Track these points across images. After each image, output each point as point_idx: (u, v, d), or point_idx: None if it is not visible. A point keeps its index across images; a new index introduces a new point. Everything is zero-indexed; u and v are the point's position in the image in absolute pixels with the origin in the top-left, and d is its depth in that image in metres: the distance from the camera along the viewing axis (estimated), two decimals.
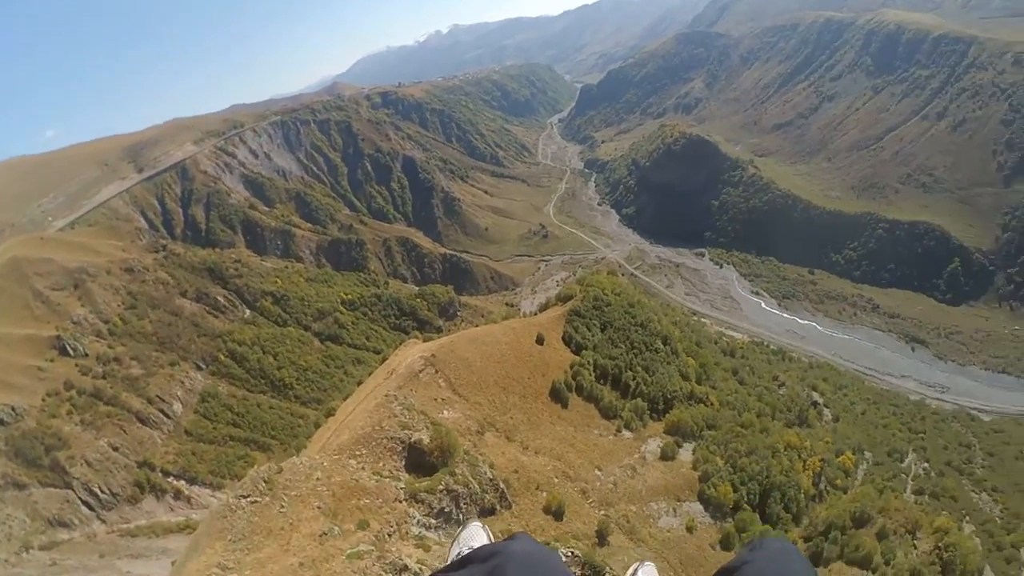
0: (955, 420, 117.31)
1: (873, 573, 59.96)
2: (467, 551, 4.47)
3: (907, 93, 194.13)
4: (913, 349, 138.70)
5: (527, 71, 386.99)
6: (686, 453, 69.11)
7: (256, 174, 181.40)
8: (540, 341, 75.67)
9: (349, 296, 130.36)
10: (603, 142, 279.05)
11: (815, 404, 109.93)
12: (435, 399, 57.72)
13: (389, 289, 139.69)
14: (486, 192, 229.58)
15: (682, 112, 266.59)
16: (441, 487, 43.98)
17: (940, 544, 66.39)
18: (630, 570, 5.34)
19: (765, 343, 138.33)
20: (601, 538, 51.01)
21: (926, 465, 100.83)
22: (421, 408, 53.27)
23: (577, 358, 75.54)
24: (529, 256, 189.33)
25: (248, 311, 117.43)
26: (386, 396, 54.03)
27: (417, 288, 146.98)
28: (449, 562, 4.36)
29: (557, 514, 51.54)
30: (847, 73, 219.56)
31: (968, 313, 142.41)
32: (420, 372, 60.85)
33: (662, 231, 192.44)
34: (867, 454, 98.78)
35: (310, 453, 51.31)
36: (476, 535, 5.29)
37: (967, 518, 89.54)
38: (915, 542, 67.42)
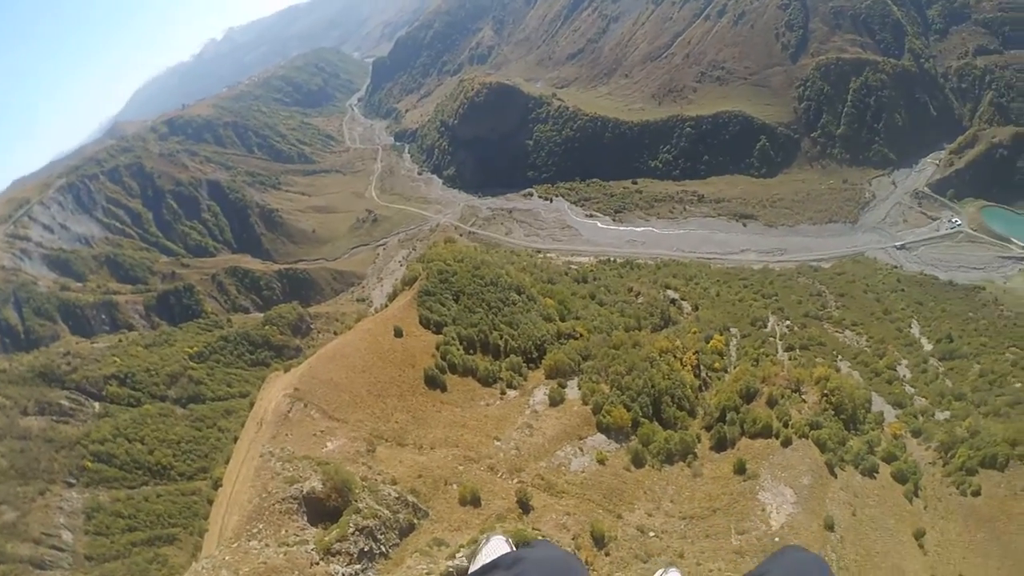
0: (800, 275, 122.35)
1: (777, 437, 61.83)
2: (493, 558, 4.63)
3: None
4: (745, 225, 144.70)
5: (314, 59, 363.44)
6: (573, 391, 68.92)
7: (58, 250, 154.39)
8: (399, 334, 73.43)
9: (195, 348, 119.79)
10: (407, 111, 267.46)
11: (673, 301, 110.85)
12: (313, 435, 54.74)
13: (233, 327, 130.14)
14: (303, 194, 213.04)
15: (478, 63, 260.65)
16: (351, 530, 42.01)
17: (825, 391, 69.83)
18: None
19: (612, 259, 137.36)
20: (524, 507, 51.24)
21: (788, 323, 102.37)
22: (303, 453, 50.89)
23: (440, 337, 73.94)
24: (365, 245, 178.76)
25: (97, 404, 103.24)
26: (262, 456, 51.06)
27: (262, 315, 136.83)
28: (473, 571, 4.49)
29: (474, 501, 50.93)
30: None
31: (785, 181, 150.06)
32: (289, 412, 57.61)
33: (487, 183, 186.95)
34: (733, 331, 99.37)
35: (209, 549, 49.26)
36: (499, 548, 5.29)
37: (839, 358, 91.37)
38: (803, 397, 69.84)
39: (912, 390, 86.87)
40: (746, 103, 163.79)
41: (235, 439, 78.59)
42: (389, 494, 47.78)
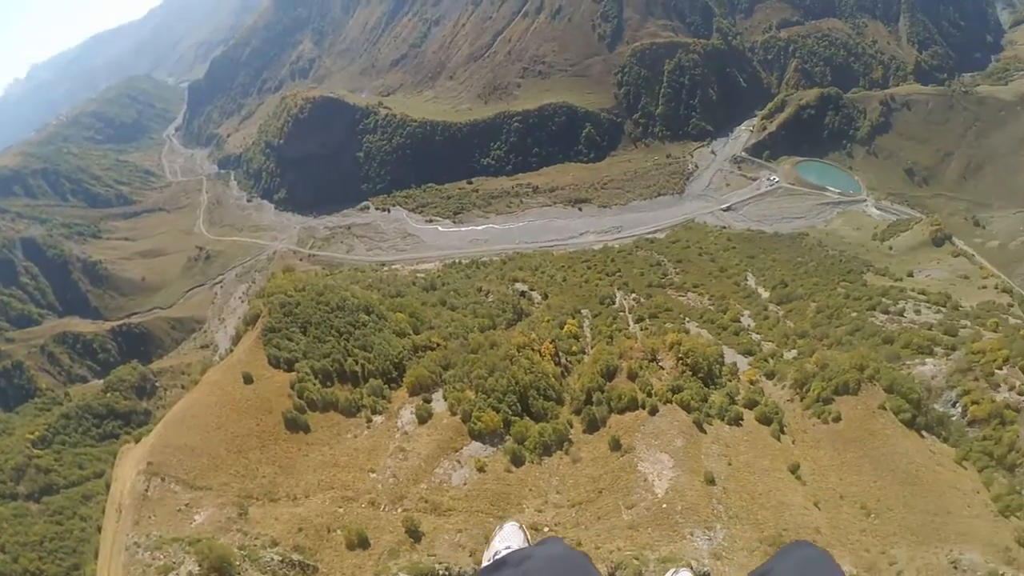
0: (639, 249, 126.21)
1: (643, 408, 61.98)
2: (504, 551, 4.87)
3: None
4: (580, 209, 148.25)
5: (126, 89, 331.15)
6: (439, 404, 67.22)
7: None
8: (249, 380, 68.55)
9: (36, 433, 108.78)
10: (229, 135, 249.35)
11: (523, 294, 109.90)
12: (178, 511, 50.62)
13: (73, 400, 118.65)
14: (126, 239, 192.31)
15: (299, 78, 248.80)
16: None
17: (680, 355, 71.11)
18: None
19: (457, 261, 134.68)
20: (414, 535, 49.89)
21: (634, 296, 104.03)
22: (171, 534, 46.80)
23: (293, 375, 69.64)
24: (200, 285, 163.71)
25: None
26: (128, 549, 46.34)
27: (102, 382, 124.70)
28: (485, 564, 4.62)
29: (362, 543, 48.98)
30: None
31: (613, 163, 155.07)
32: (147, 491, 52.69)
33: (321, 201, 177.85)
34: (584, 312, 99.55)
35: None
36: (512, 535, 5.36)
37: (687, 320, 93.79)
38: (660, 365, 70.84)
39: (758, 336, 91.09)
40: (569, 94, 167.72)
41: (99, 528, 70.49)
42: (272, 559, 44.37)
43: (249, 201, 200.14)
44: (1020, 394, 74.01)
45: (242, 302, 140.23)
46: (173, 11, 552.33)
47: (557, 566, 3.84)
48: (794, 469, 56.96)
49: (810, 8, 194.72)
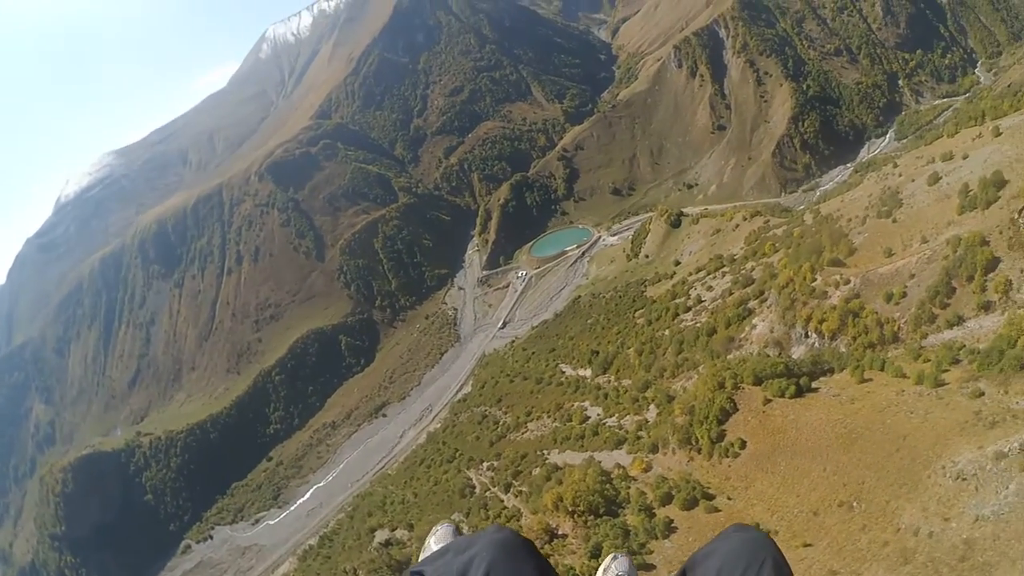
0: (457, 414, 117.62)
1: None
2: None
3: None
4: (384, 415, 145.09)
5: None
6: None
7: None
8: None
9: None
10: (12, 545, 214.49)
11: (386, 543, 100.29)
12: None
13: None
14: None
15: (48, 447, 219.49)
16: None
17: (571, 510, 60.47)
18: (603, 563, 5.34)
19: (310, 546, 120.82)
20: None
21: (484, 464, 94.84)
22: None
23: None
24: None
25: None
26: None
27: None
28: (423, 557, 4.45)
29: None
30: None
31: (385, 355, 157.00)
32: None
33: (141, 566, 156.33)
34: (457, 518, 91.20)
35: None
36: (447, 536, 5.26)
37: (546, 454, 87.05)
38: (561, 536, 57.79)
39: (613, 421, 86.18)
40: (309, 320, 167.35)
41: None
42: None
43: None
44: (845, 283, 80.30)
45: None
46: None
47: (503, 548, 3.67)
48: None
49: (461, 127, 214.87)
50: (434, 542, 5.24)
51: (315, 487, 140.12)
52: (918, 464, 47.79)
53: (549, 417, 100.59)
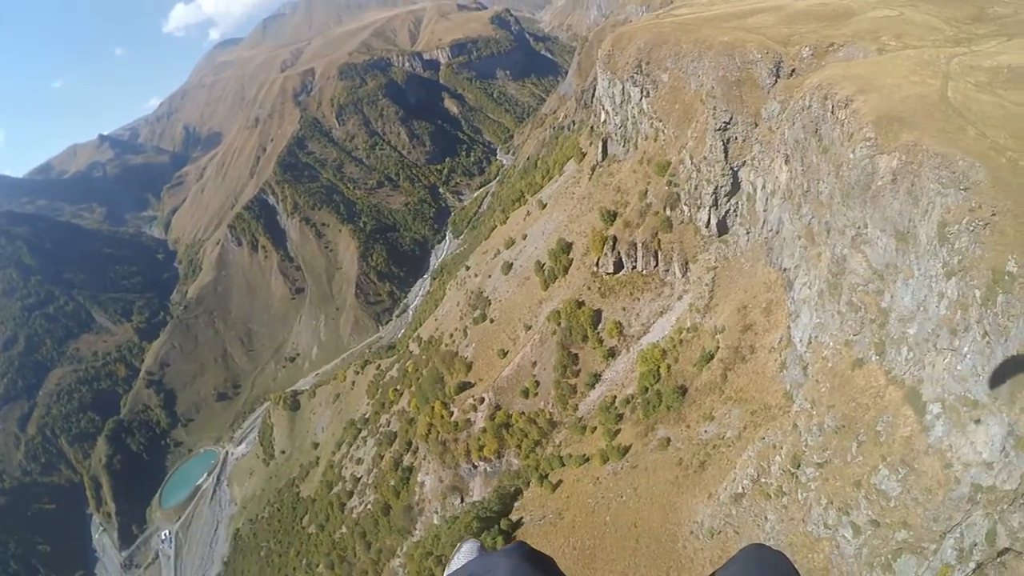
0: None
1: None
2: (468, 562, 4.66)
3: None
4: None
5: None
6: None
7: None
8: None
9: None
10: None
11: None
12: None
13: None
14: None
15: None
16: None
17: None
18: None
19: None
20: None
21: None
22: None
23: None
24: None
25: None
26: None
27: None
28: (450, 570, 4.49)
29: None
30: None
31: None
32: None
33: None
34: None
35: None
36: (471, 554, 5.13)
37: None
38: None
39: None
40: None
41: None
42: None
43: None
44: (480, 402, 79.75)
45: None
46: None
47: (521, 566, 3.66)
48: None
49: (28, 385, 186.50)
50: (458, 559, 5.02)
51: None
52: (665, 544, 47.98)
53: None
